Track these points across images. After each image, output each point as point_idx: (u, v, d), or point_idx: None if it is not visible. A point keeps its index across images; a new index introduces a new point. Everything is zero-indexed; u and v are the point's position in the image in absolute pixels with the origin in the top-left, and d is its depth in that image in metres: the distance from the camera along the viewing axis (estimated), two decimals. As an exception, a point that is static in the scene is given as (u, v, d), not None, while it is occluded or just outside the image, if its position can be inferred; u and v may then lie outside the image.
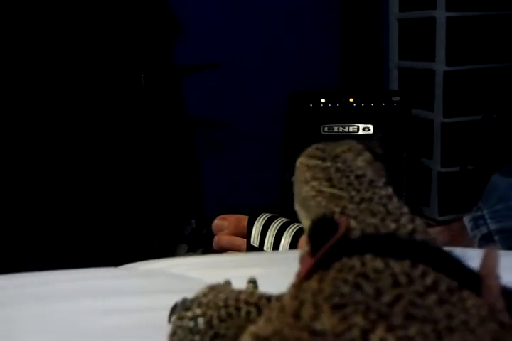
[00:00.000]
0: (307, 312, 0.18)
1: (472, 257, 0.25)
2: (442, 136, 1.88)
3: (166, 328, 0.25)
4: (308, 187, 0.27)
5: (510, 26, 1.86)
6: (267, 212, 0.66)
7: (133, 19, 1.68)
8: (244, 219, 0.64)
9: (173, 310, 0.26)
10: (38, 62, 1.53)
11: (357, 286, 0.19)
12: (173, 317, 0.25)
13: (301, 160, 0.30)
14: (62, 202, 1.59)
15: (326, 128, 1.73)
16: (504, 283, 0.21)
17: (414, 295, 0.18)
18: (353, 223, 0.23)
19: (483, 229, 0.57)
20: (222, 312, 0.24)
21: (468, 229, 0.58)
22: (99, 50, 1.60)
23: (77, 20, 1.56)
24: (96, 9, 1.59)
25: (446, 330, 0.17)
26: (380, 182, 0.27)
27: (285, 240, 0.60)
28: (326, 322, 0.18)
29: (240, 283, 0.30)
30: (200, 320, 0.24)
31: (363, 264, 0.20)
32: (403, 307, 0.18)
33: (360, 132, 1.68)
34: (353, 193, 0.26)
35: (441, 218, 1.90)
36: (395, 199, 0.25)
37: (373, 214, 0.24)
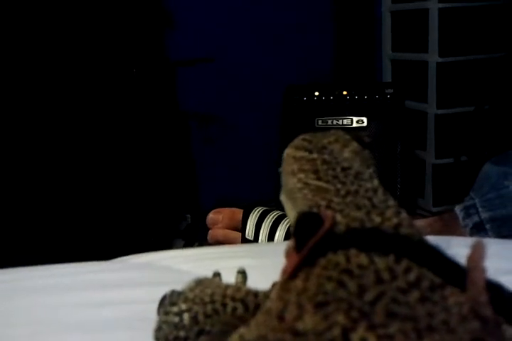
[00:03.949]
0: (291, 313, 0.18)
1: (457, 245, 0.25)
2: (436, 128, 1.89)
3: (155, 320, 0.25)
4: (295, 179, 0.27)
5: (503, 16, 1.86)
6: (262, 206, 0.66)
7: (124, 13, 1.67)
8: (239, 212, 0.64)
9: (162, 302, 0.26)
10: (29, 58, 1.52)
11: (340, 283, 0.19)
12: (161, 311, 0.25)
13: (288, 152, 0.30)
14: (57, 198, 1.59)
15: (320, 122, 1.73)
16: (494, 269, 0.21)
17: (397, 292, 0.18)
18: (338, 217, 0.23)
19: (475, 218, 0.57)
20: (208, 307, 0.24)
21: (460, 218, 0.59)
22: (90, 45, 1.59)
23: (69, 15, 1.55)
24: (87, 4, 1.58)
25: (427, 329, 0.17)
26: (366, 175, 0.26)
27: (280, 233, 0.60)
28: (309, 321, 0.18)
29: (230, 275, 0.31)
30: (186, 316, 0.24)
31: (348, 260, 0.20)
32: (385, 305, 0.18)
33: (354, 125, 1.69)
34: (339, 186, 0.25)
35: (435, 209, 1.91)
36: (380, 192, 0.25)
37: (358, 207, 0.24)
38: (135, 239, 1.70)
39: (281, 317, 0.18)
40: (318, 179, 0.26)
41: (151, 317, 0.26)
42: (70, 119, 1.59)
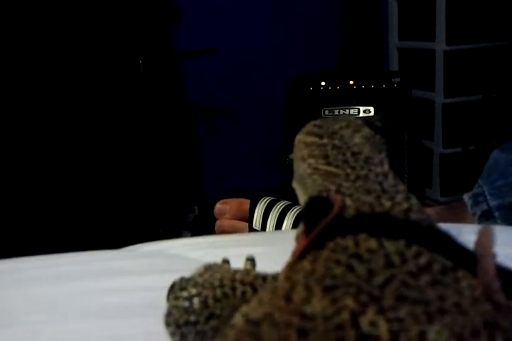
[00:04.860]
0: (298, 294, 0.18)
1: (468, 232, 0.25)
2: (443, 117, 1.88)
3: (165, 307, 0.26)
4: (305, 164, 0.27)
5: (510, 4, 1.84)
6: (269, 196, 0.66)
7: (131, 5, 1.66)
8: (246, 202, 0.64)
9: (171, 289, 0.26)
10: (35, 51, 1.52)
11: (349, 267, 0.19)
12: (170, 297, 0.26)
13: (299, 137, 0.30)
14: (66, 192, 1.60)
15: (326, 112, 1.72)
16: (503, 256, 0.21)
17: (407, 276, 0.18)
18: (348, 201, 0.23)
19: (483, 206, 0.57)
20: (218, 292, 0.24)
21: (468, 206, 0.58)
22: (97, 37, 1.59)
23: (76, 8, 1.55)
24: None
25: (438, 312, 0.17)
26: (377, 159, 0.26)
27: (287, 223, 0.60)
28: (317, 305, 0.17)
29: (239, 262, 0.31)
30: (196, 300, 0.24)
31: (357, 244, 0.20)
32: (395, 289, 0.18)
33: (361, 114, 1.68)
34: (349, 171, 0.25)
35: (443, 199, 1.91)
36: (390, 177, 0.25)
37: (368, 192, 0.23)
38: (143, 231, 1.70)
39: (288, 298, 0.18)
40: (328, 164, 0.26)
41: (161, 303, 0.26)
42: (77, 112, 1.59)
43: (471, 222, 0.58)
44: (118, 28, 1.63)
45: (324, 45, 2.11)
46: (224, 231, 0.64)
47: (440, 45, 1.83)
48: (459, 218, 0.59)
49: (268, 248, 0.40)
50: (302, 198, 0.28)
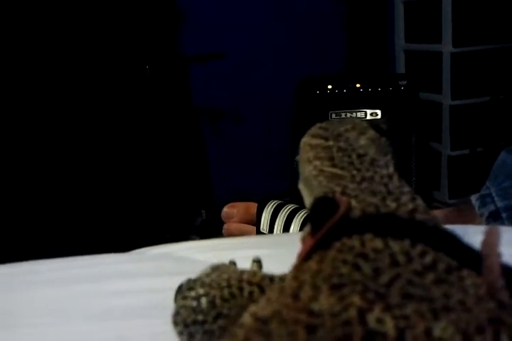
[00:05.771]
0: (306, 293, 0.18)
1: (474, 233, 0.25)
2: (451, 119, 1.87)
3: (172, 308, 0.26)
4: (311, 166, 0.28)
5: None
6: (276, 200, 0.66)
7: (137, 10, 1.68)
8: (254, 206, 0.64)
9: (179, 289, 0.26)
10: (42, 56, 1.54)
11: (356, 266, 0.19)
12: (178, 297, 0.26)
13: (305, 140, 0.30)
14: (75, 196, 1.61)
15: (333, 115, 1.72)
16: (509, 256, 0.21)
17: (412, 274, 0.19)
18: (353, 202, 0.23)
19: (491, 207, 0.57)
20: (225, 292, 0.24)
21: (476, 207, 0.58)
22: (103, 43, 1.60)
23: (82, 12, 1.56)
24: (100, 1, 1.59)
25: (443, 309, 0.17)
26: (382, 162, 0.27)
27: (294, 226, 0.60)
28: (324, 302, 0.18)
29: (245, 264, 0.31)
30: (203, 300, 0.24)
31: (363, 244, 0.20)
32: (401, 287, 0.18)
33: (368, 117, 1.68)
34: (354, 172, 0.25)
35: (451, 201, 1.90)
36: (395, 179, 0.25)
37: (374, 193, 0.24)
38: (151, 235, 1.71)
39: (295, 296, 0.19)
40: (334, 166, 0.26)
41: (169, 305, 0.26)
42: (84, 116, 1.60)
43: (480, 223, 0.58)
44: (125, 33, 1.64)
45: (330, 47, 2.11)
46: (232, 235, 0.64)
47: (447, 47, 1.82)
48: (468, 219, 0.59)
49: (274, 250, 0.41)
50: (308, 200, 0.29)
